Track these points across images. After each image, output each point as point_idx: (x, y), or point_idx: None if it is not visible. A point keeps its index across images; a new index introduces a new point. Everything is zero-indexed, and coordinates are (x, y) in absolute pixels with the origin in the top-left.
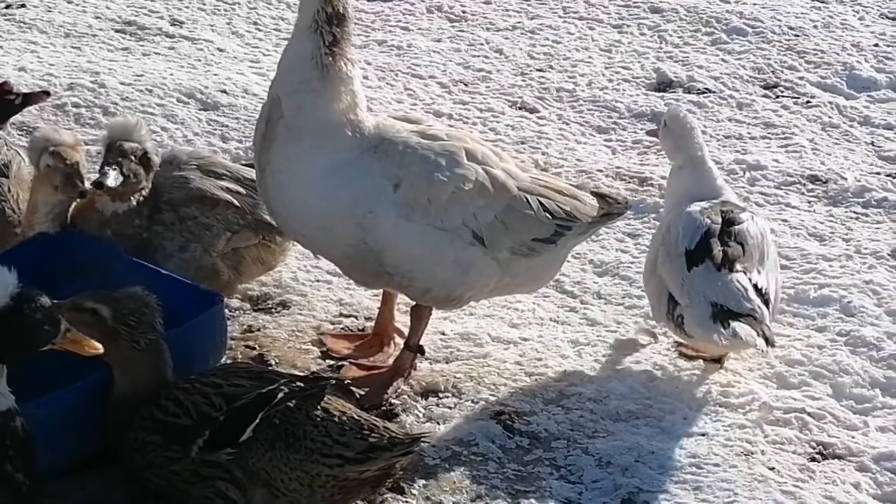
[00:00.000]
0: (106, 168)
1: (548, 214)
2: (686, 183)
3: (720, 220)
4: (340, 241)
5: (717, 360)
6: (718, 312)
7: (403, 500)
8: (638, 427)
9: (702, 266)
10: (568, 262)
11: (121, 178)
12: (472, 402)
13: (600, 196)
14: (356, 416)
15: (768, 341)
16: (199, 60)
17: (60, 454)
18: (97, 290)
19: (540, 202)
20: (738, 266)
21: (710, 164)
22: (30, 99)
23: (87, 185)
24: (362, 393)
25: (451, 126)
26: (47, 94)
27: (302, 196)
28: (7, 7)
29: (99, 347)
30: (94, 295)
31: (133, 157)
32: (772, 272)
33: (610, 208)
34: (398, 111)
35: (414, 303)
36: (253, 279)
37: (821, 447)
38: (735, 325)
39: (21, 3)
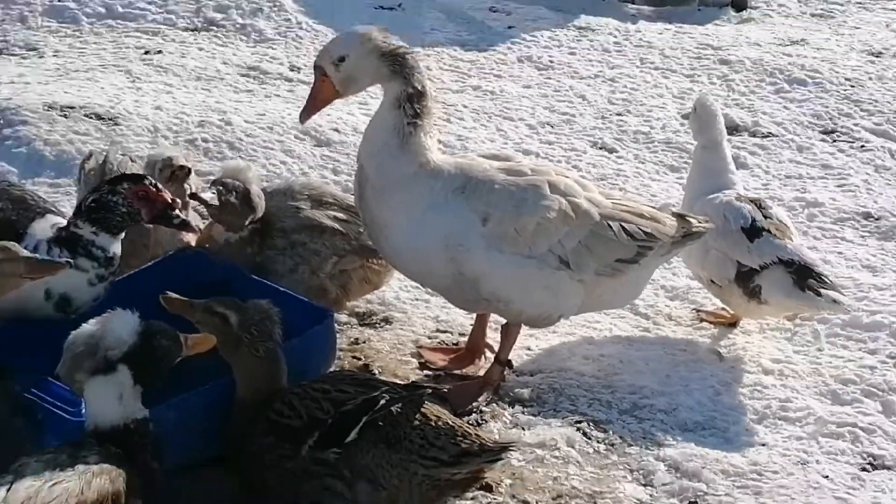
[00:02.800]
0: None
1: (629, 237)
2: (706, 165)
3: (755, 205)
4: (439, 275)
5: (733, 324)
6: (797, 277)
7: (492, 497)
8: (704, 437)
9: (762, 238)
10: (646, 288)
11: (216, 200)
12: (554, 410)
13: (680, 217)
14: (451, 423)
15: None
16: None
17: (184, 452)
18: (228, 298)
19: (622, 226)
20: (789, 237)
21: (727, 150)
22: (184, 227)
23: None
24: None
25: (536, 160)
26: (196, 231)
27: (400, 243)
28: (146, 53)
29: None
30: (225, 302)
31: (234, 192)
32: None
33: (689, 227)
34: (488, 149)
35: (505, 321)
36: (359, 297)
37: (871, 458)
38: (830, 291)
39: (158, 49)
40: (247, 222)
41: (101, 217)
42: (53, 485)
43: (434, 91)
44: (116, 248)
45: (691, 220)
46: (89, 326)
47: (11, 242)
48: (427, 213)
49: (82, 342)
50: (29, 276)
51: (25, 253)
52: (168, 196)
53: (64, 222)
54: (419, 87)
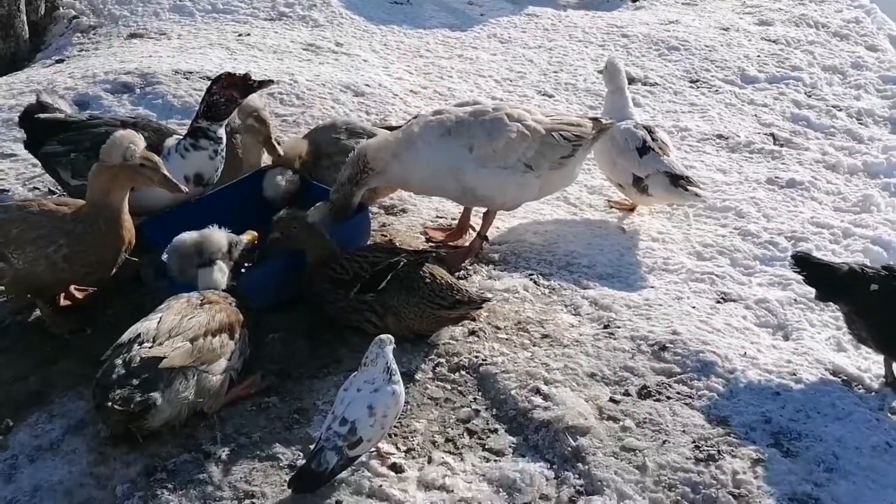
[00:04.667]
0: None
1: (566, 140)
2: (614, 104)
3: (646, 131)
4: (449, 191)
5: (632, 209)
6: (672, 179)
7: (475, 324)
8: (613, 283)
9: (648, 154)
10: (573, 186)
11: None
12: (515, 267)
13: (594, 120)
14: (449, 281)
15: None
16: (353, 67)
17: (272, 298)
18: (296, 210)
19: (560, 134)
20: (668, 153)
21: (628, 94)
22: (262, 84)
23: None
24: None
25: (498, 101)
26: (272, 81)
27: (421, 183)
28: (239, 35)
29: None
30: (295, 212)
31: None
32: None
33: (601, 125)
34: (466, 97)
35: (486, 209)
36: (385, 197)
37: (723, 295)
38: (693, 188)
39: (248, 33)
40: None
41: (212, 113)
42: (189, 318)
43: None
44: (222, 132)
45: (601, 120)
46: (192, 236)
47: (159, 158)
48: (432, 158)
49: (189, 246)
50: (159, 185)
51: (164, 170)
52: (241, 74)
53: (179, 138)
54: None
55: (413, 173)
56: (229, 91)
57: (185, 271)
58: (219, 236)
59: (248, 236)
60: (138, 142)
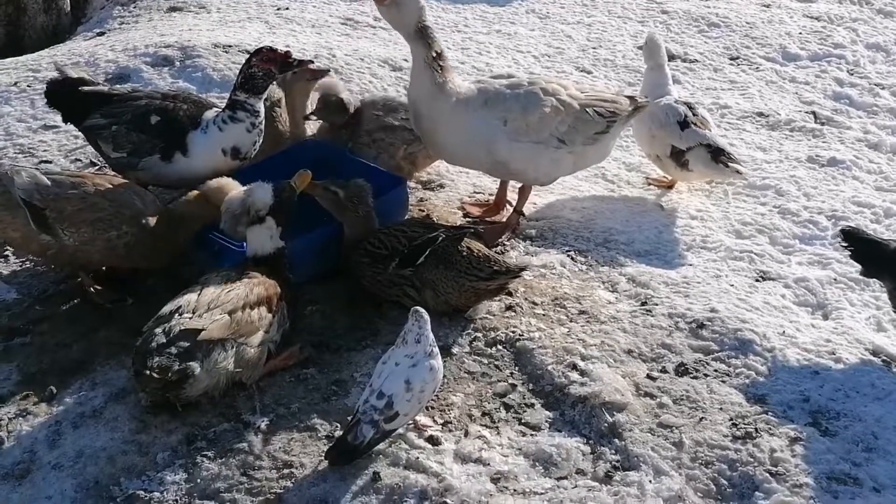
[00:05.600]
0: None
1: (600, 116)
2: (653, 80)
3: (687, 107)
4: (481, 162)
5: (671, 186)
6: (713, 154)
7: (512, 299)
8: (651, 260)
9: (690, 128)
10: (610, 161)
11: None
12: (552, 243)
13: (630, 97)
14: (486, 253)
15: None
16: (391, 42)
17: (312, 269)
18: (336, 179)
19: (595, 110)
20: (709, 129)
21: (667, 70)
22: (301, 64)
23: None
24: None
25: (534, 75)
26: (311, 62)
27: (453, 150)
28: (278, 9)
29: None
30: (336, 182)
31: (333, 99)
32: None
33: (637, 104)
34: (503, 71)
35: (521, 184)
36: (423, 170)
37: (762, 273)
38: (734, 164)
39: (287, 7)
40: (343, 118)
41: (249, 85)
42: (228, 291)
43: (446, 50)
44: (260, 105)
45: (638, 98)
46: (239, 195)
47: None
48: (467, 126)
49: (237, 205)
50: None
51: (237, 187)
52: (283, 51)
53: (217, 110)
54: (438, 51)
55: (446, 137)
56: (268, 65)
57: (240, 231)
58: (262, 191)
59: (300, 178)
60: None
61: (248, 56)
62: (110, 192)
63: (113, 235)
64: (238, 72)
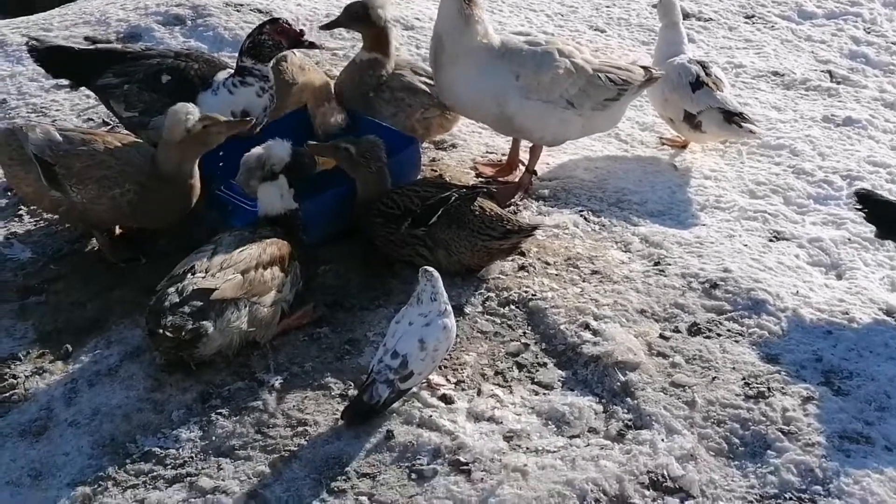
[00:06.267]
0: None
1: (612, 83)
2: (667, 39)
3: (700, 66)
4: (487, 114)
5: (684, 146)
6: (726, 115)
7: (525, 259)
8: (664, 220)
9: (702, 90)
10: (624, 121)
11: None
12: (565, 203)
13: (644, 68)
14: (498, 212)
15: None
16: (402, 0)
17: (325, 230)
18: (348, 137)
19: (607, 76)
20: (722, 89)
21: (682, 29)
22: (312, 46)
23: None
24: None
25: (550, 35)
26: (320, 48)
27: (462, 93)
28: None
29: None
30: (347, 139)
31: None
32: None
33: (650, 74)
34: (518, 30)
35: (532, 144)
36: (437, 135)
37: (775, 233)
38: (747, 125)
39: None
40: (362, 28)
41: (255, 52)
42: (241, 251)
43: None
44: (268, 71)
45: (651, 70)
46: (258, 150)
47: (214, 114)
48: (481, 73)
49: (254, 160)
50: (228, 132)
51: (223, 118)
52: (297, 28)
53: (229, 72)
54: None
55: (460, 78)
56: (280, 37)
57: (252, 186)
58: (280, 148)
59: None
60: (192, 109)
61: (261, 22)
62: (118, 150)
63: (117, 193)
64: (247, 35)
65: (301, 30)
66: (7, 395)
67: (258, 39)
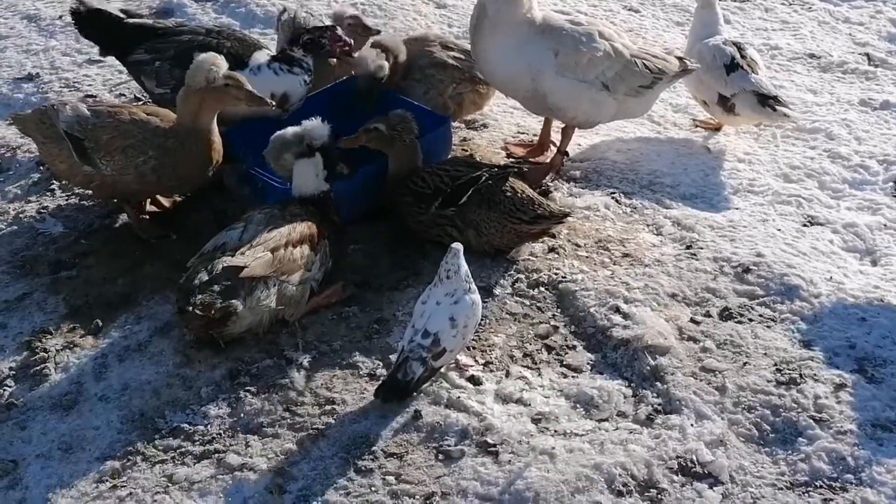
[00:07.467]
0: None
1: (648, 70)
2: (703, 19)
3: (735, 48)
4: (521, 89)
5: (718, 129)
6: (760, 98)
7: (555, 241)
8: (697, 203)
9: (737, 72)
10: (658, 104)
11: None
12: (596, 185)
13: (680, 59)
14: (530, 195)
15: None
16: None
17: (354, 209)
18: (375, 117)
19: (644, 63)
20: (757, 71)
21: (718, 9)
22: (350, 58)
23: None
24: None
25: (590, 17)
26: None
27: (499, 64)
28: None
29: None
30: (374, 119)
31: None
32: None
33: (685, 66)
34: (556, 9)
35: (564, 125)
36: (469, 114)
37: (809, 218)
38: (782, 108)
39: None
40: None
41: (310, 47)
42: (271, 229)
43: None
44: (312, 63)
45: (686, 61)
46: (295, 127)
47: (241, 74)
48: (520, 46)
49: (291, 134)
50: (246, 102)
51: (249, 87)
52: (350, 41)
53: (270, 54)
54: None
55: (496, 51)
56: (335, 45)
57: (284, 163)
58: (322, 127)
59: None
60: (220, 63)
61: (326, 25)
62: (142, 120)
63: (140, 161)
64: (304, 28)
65: (352, 46)
66: (38, 368)
67: (318, 41)
